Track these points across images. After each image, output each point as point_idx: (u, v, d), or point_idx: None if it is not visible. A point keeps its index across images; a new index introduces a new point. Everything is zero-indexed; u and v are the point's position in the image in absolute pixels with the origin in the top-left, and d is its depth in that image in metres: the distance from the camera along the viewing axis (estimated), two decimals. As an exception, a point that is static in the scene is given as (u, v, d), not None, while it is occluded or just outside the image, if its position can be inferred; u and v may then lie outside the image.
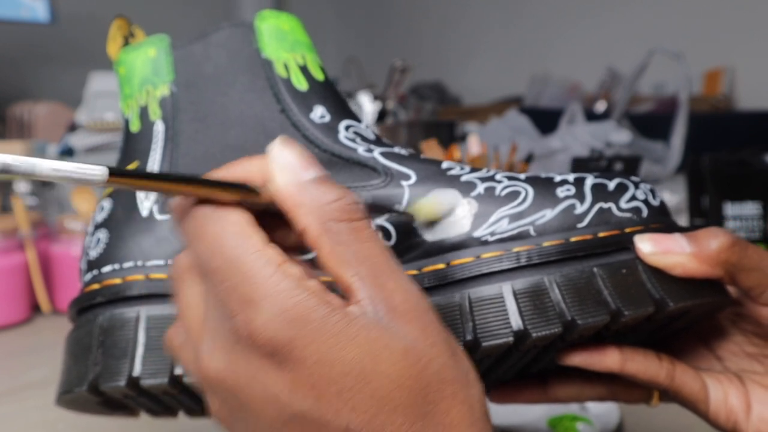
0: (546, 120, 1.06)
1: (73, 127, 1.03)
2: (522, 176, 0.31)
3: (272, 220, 0.24)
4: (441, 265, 0.29)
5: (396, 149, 0.33)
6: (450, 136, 1.11)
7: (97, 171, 0.20)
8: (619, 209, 0.30)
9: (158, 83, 0.34)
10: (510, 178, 0.31)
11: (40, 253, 0.67)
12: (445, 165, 0.32)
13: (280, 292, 0.21)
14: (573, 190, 0.30)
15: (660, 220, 0.30)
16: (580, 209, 0.30)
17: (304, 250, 0.24)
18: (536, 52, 1.81)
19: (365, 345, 0.21)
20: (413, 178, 0.31)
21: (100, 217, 0.33)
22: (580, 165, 0.65)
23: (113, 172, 0.20)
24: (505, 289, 0.28)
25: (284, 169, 0.23)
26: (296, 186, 0.23)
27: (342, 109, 0.34)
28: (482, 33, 1.98)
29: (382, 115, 1.03)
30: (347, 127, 0.33)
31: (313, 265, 0.23)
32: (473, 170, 0.32)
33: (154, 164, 0.33)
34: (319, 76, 0.35)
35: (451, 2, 2.06)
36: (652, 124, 1.05)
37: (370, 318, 0.21)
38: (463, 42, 2.03)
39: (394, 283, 0.22)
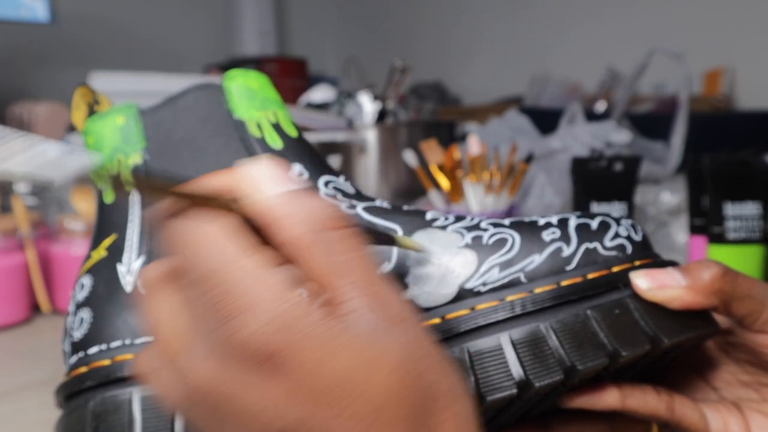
0: (546, 120, 1.06)
1: (73, 127, 1.03)
2: (506, 221, 0.32)
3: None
4: (437, 320, 0.29)
5: (377, 202, 0.33)
6: (450, 136, 1.11)
7: (63, 173, 0.19)
8: (605, 248, 0.30)
9: (130, 152, 0.34)
10: (495, 225, 0.31)
11: (40, 253, 0.67)
12: (429, 216, 0.32)
13: (271, 298, 0.20)
14: (558, 233, 0.31)
15: (645, 255, 0.31)
16: (567, 251, 0.30)
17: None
18: (536, 52, 1.81)
19: (360, 354, 0.20)
20: (399, 233, 0.31)
21: (81, 295, 0.32)
22: (580, 165, 0.65)
23: (80, 175, 0.19)
24: (503, 340, 0.28)
25: (270, 179, 0.22)
26: (284, 196, 0.22)
27: (319, 164, 0.34)
28: (482, 33, 1.98)
29: (382, 115, 1.03)
30: (327, 183, 0.33)
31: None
32: (457, 219, 0.32)
33: (133, 236, 0.32)
34: (293, 132, 0.35)
35: (451, 2, 2.06)
36: (652, 124, 1.05)
37: (365, 326, 0.21)
38: (463, 42, 2.03)
39: (387, 292, 0.22)
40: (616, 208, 0.63)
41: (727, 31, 1.43)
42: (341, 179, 0.34)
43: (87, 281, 0.32)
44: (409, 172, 0.90)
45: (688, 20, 1.49)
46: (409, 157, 0.81)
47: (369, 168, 0.96)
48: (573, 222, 0.31)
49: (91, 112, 0.36)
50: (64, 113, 1.22)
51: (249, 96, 0.34)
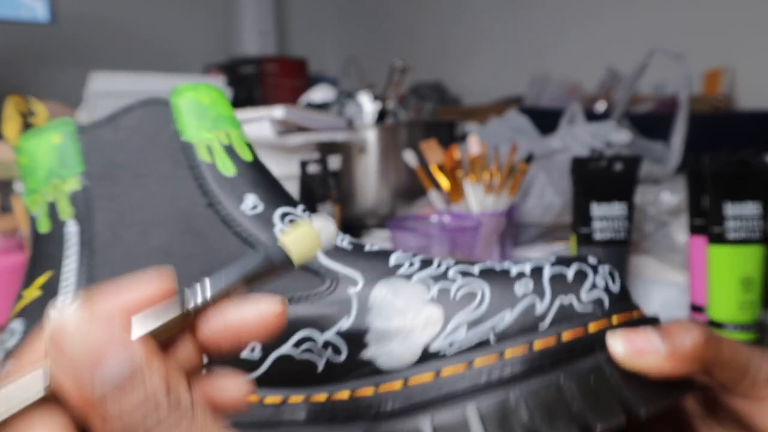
0: (546, 120, 1.06)
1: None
2: (476, 270, 0.29)
3: None
4: (398, 384, 0.27)
5: (337, 241, 0.30)
6: (450, 136, 1.11)
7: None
8: (580, 302, 0.28)
9: (66, 175, 0.30)
10: (464, 274, 0.29)
11: (40, 253, 0.67)
12: (393, 261, 0.30)
13: None
14: (531, 285, 0.28)
15: (623, 309, 0.29)
16: (540, 308, 0.28)
17: None
18: (536, 52, 1.81)
19: None
20: (360, 283, 0.29)
21: (11, 343, 0.29)
22: (580, 165, 0.65)
23: None
24: (470, 413, 0.26)
25: (67, 369, 0.18)
26: (85, 393, 0.18)
27: (275, 193, 0.31)
28: (482, 33, 1.98)
29: (382, 115, 1.03)
30: (283, 216, 0.30)
31: None
32: (423, 265, 0.29)
33: (70, 275, 0.29)
34: (247, 156, 0.31)
35: (451, 2, 2.06)
36: (652, 124, 1.05)
37: None
38: (463, 42, 2.03)
39: None
40: (616, 208, 0.63)
41: (727, 31, 1.43)
42: (299, 210, 0.31)
43: (18, 326, 0.29)
44: (409, 172, 0.90)
45: (688, 20, 1.49)
46: (409, 157, 0.81)
47: (369, 168, 0.96)
48: (547, 272, 0.29)
49: (27, 124, 0.34)
50: (64, 113, 1.22)
51: (199, 114, 0.31)
